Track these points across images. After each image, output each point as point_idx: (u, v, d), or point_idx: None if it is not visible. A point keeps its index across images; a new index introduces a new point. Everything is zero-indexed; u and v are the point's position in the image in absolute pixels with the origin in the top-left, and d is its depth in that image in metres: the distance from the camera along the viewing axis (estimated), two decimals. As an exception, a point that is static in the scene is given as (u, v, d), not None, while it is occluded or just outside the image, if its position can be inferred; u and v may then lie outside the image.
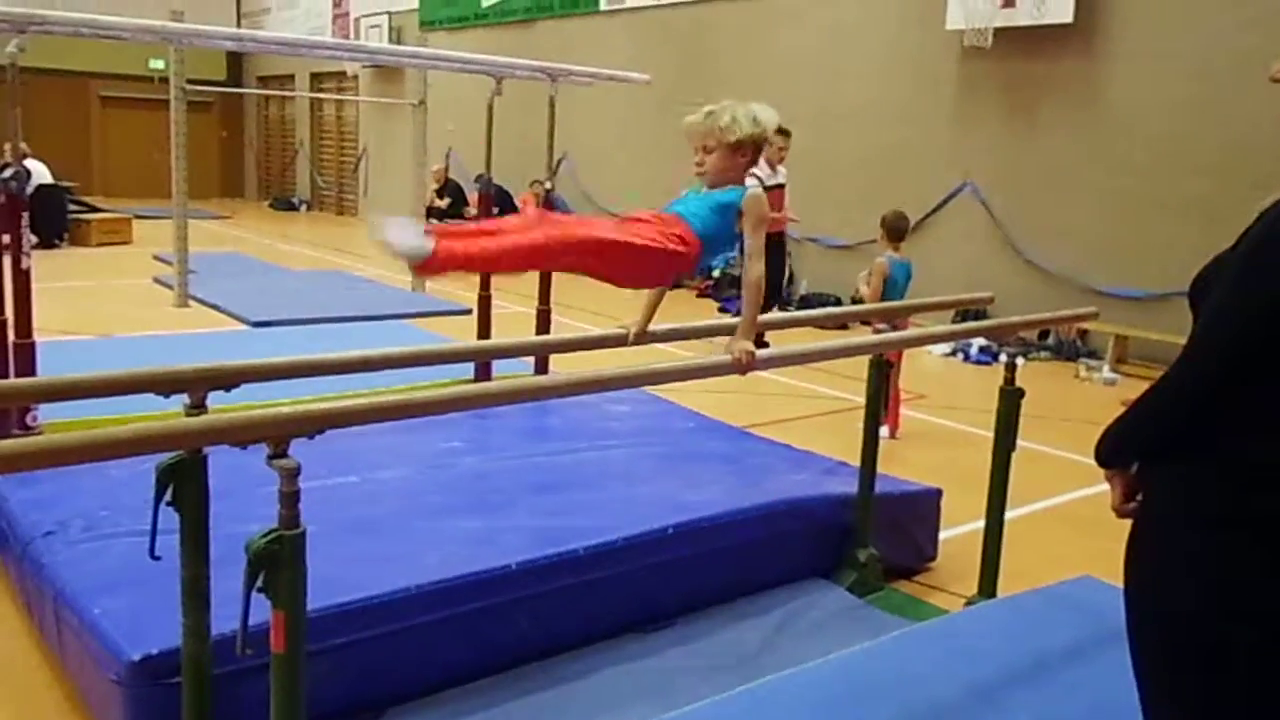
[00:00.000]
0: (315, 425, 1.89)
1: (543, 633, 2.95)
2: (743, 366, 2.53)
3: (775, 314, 5.54)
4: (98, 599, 2.59)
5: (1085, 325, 7.61)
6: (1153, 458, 1.59)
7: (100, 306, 8.52)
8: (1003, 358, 3.40)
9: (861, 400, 3.50)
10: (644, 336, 2.80)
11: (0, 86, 3.85)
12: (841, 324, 7.66)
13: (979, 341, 7.73)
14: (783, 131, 6.80)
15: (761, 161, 6.42)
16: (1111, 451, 1.65)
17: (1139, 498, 1.63)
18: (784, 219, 7.33)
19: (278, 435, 1.85)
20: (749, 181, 2.65)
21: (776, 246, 7.26)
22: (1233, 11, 7.35)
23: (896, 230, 5.54)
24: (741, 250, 2.58)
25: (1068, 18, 8.05)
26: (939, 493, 3.93)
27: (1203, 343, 1.50)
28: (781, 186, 7.35)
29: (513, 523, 3.24)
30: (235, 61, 21.08)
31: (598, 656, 2.97)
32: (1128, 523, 1.63)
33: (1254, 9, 7.24)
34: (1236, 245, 1.51)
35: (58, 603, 2.73)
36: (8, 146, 3.88)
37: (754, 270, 2.59)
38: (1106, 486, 1.68)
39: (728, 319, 6.60)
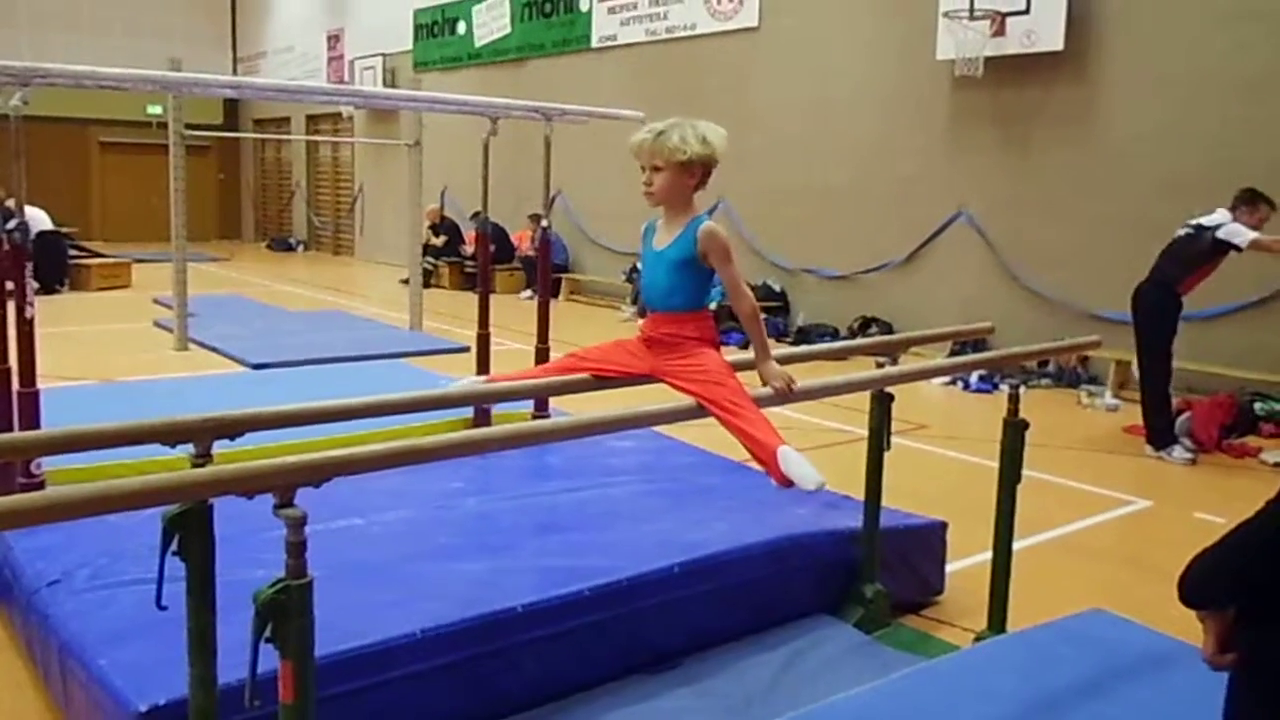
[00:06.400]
0: (323, 475, 1.89)
1: (548, 676, 2.94)
2: (787, 392, 2.55)
3: (784, 349, 5.50)
4: (104, 649, 2.58)
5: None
6: (1252, 606, 1.40)
7: (101, 351, 8.54)
8: (1004, 387, 3.40)
9: (862, 431, 3.49)
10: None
11: (2, 136, 3.88)
12: (841, 356, 7.65)
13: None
14: (1268, 201, 6.06)
15: (1241, 227, 6.14)
16: (1197, 593, 1.44)
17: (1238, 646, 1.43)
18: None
19: (285, 485, 1.85)
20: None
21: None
22: (1224, 35, 7.43)
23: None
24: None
25: (1058, 45, 8.12)
26: (945, 525, 3.91)
27: None
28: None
29: (517, 564, 3.23)
30: (232, 105, 21.25)
31: (604, 699, 2.95)
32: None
33: (1246, 33, 7.32)
34: None
35: (63, 653, 2.72)
36: (11, 201, 3.90)
37: (743, 303, 2.59)
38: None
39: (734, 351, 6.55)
